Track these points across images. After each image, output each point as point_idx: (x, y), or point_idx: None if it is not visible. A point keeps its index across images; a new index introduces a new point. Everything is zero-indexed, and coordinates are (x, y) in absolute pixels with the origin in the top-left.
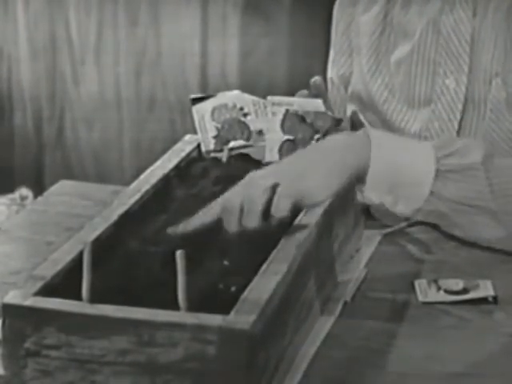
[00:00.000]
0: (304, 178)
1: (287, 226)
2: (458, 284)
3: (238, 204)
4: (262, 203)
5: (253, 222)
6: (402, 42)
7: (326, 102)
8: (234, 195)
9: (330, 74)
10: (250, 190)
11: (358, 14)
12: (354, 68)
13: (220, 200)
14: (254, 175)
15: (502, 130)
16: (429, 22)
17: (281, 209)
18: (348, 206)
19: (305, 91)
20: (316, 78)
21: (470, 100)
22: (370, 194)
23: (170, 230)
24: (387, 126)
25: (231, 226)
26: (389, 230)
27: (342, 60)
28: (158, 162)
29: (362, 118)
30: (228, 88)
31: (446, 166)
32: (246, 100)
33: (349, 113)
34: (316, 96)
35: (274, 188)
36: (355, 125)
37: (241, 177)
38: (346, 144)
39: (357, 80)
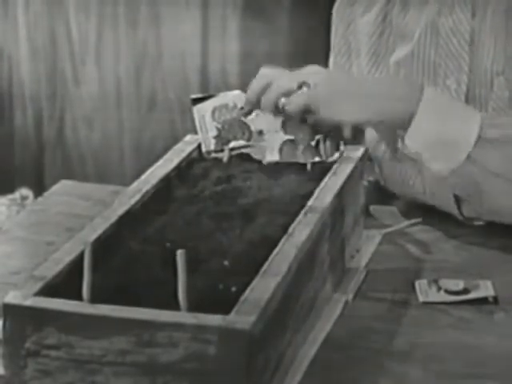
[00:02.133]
0: (336, 95)
1: (287, 225)
2: (459, 284)
3: (267, 76)
4: (282, 88)
5: (267, 104)
6: (401, 43)
7: None
8: (269, 70)
9: None
10: (282, 74)
11: (357, 15)
12: (353, 70)
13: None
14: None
15: None
16: (427, 24)
17: (293, 102)
18: (348, 206)
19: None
20: None
21: (471, 100)
22: (409, 142)
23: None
24: None
25: (250, 95)
26: (389, 229)
27: (342, 62)
28: (159, 163)
29: None
30: (228, 88)
31: (488, 134)
32: None
33: None
34: None
35: (301, 85)
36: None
37: (241, 177)
38: (397, 89)
39: None
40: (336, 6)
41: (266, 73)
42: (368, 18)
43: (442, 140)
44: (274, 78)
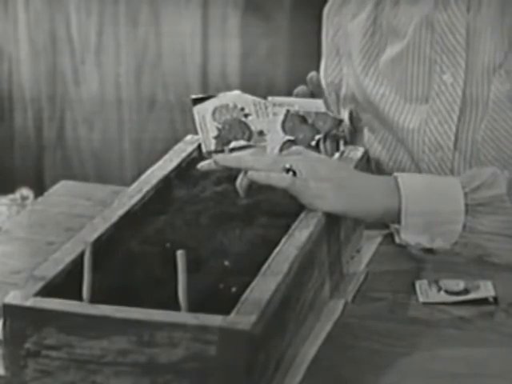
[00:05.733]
0: (316, 186)
1: (288, 226)
2: (459, 284)
3: (252, 161)
4: (250, 165)
5: (243, 185)
6: (394, 40)
7: (323, 98)
8: (259, 151)
9: (323, 82)
10: (266, 160)
11: (347, 19)
12: (344, 73)
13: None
14: (298, 150)
15: (505, 121)
16: (422, 20)
17: (274, 181)
18: None
19: (304, 87)
20: (312, 74)
21: (468, 95)
22: (405, 235)
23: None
24: (385, 124)
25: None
26: (389, 230)
27: (332, 67)
28: (159, 163)
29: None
30: (228, 88)
31: (475, 200)
32: (247, 100)
33: (345, 115)
34: (313, 92)
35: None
36: (353, 122)
37: (240, 169)
38: (373, 182)
39: (349, 84)
40: (326, 10)
41: (249, 158)
42: (358, 20)
43: (434, 221)
44: (258, 163)
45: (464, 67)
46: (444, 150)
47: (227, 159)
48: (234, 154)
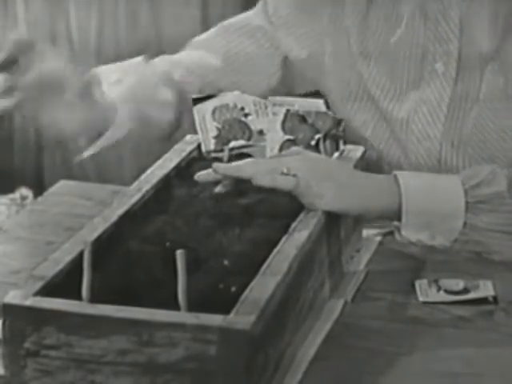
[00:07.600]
0: (318, 185)
1: (287, 225)
2: (459, 284)
3: (251, 170)
4: (252, 174)
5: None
6: (389, 28)
7: (325, 98)
8: (254, 164)
9: None
10: (265, 167)
11: None
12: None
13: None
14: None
15: (495, 115)
16: (416, 8)
17: (278, 182)
18: None
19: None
20: None
21: (459, 85)
22: (406, 233)
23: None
24: (377, 111)
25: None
26: (389, 229)
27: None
28: (159, 162)
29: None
30: None
31: (475, 197)
32: (247, 100)
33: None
34: (315, 93)
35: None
36: None
37: (241, 178)
38: (377, 187)
39: (342, 62)
40: None
41: (248, 167)
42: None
43: (435, 219)
44: (257, 173)
45: (456, 57)
46: (432, 140)
47: (226, 168)
48: (234, 163)
